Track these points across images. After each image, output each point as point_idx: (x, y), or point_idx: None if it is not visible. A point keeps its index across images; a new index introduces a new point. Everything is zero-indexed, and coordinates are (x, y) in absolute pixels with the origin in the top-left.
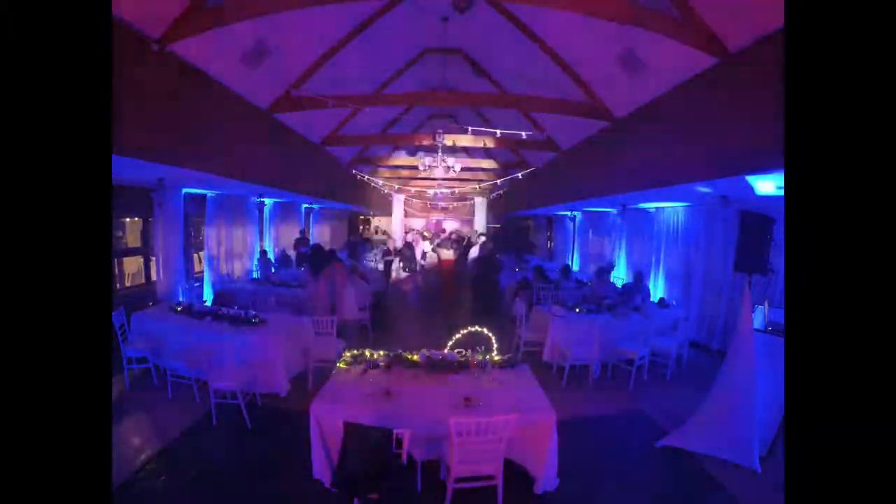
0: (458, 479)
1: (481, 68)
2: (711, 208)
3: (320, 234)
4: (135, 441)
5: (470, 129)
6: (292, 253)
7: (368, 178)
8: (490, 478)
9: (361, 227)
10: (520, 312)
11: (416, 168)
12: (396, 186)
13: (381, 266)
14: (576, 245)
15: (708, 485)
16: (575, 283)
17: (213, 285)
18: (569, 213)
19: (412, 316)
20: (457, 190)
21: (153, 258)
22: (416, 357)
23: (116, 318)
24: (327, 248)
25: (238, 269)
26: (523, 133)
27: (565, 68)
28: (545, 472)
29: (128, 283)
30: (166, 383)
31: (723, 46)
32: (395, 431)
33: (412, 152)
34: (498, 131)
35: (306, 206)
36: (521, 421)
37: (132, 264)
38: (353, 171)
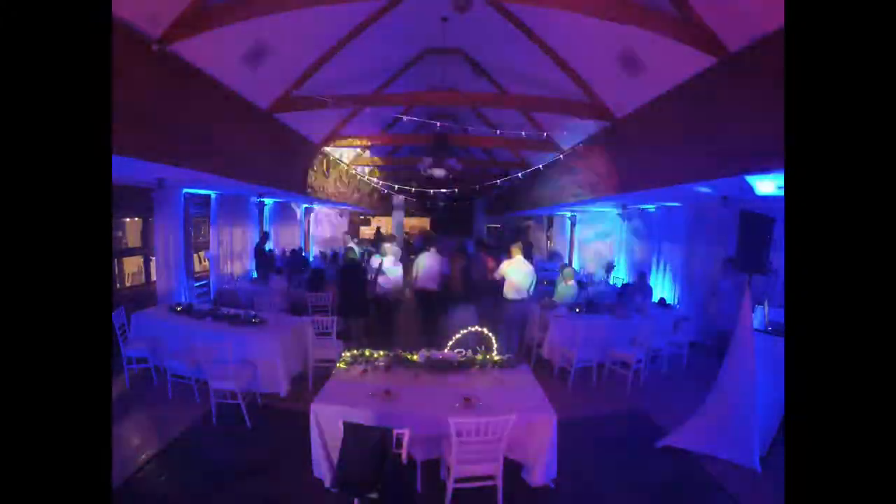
0: (458, 479)
1: (481, 68)
2: (711, 208)
3: (321, 234)
4: (135, 441)
5: (470, 128)
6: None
7: (368, 178)
8: (490, 478)
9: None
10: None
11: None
12: (396, 186)
13: None
14: (575, 245)
15: (708, 485)
16: (576, 284)
17: (214, 285)
18: (568, 212)
19: None
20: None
21: (153, 258)
22: (416, 357)
23: (116, 318)
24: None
25: (238, 269)
26: (523, 133)
27: (565, 68)
28: (545, 471)
29: (128, 283)
30: (166, 383)
31: (723, 46)
32: (395, 431)
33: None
34: (498, 131)
35: (306, 205)
36: (520, 421)
37: (132, 264)
38: (354, 170)
